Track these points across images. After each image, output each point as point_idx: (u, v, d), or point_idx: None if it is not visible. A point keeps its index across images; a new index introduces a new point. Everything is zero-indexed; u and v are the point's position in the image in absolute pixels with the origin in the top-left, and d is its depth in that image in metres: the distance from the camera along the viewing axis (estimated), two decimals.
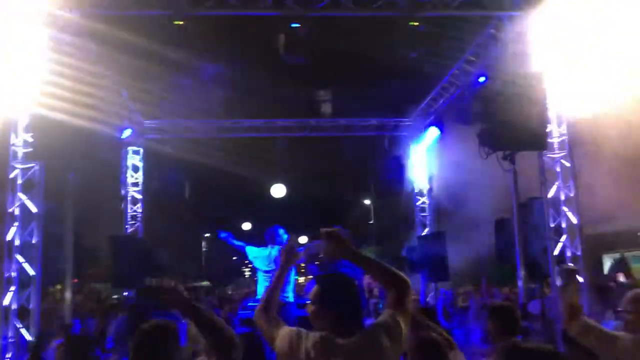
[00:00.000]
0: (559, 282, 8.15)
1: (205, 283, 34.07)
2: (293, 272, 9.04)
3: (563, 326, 3.84)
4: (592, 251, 11.17)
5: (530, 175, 9.40)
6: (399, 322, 2.86)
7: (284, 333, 2.91)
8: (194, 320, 2.93)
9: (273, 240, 8.65)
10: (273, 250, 8.62)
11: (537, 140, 8.64)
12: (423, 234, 14.99)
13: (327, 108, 13.89)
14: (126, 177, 14.09)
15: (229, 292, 27.98)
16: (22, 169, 8.67)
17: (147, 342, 2.83)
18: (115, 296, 16.25)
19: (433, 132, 13.84)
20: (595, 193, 10.07)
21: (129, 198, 14.07)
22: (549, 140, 9.18)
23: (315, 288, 3.03)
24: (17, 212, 8.50)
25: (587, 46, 8.77)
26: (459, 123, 12.43)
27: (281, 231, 8.65)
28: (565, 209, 9.31)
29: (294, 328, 2.93)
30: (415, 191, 15.29)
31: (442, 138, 13.95)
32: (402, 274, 2.99)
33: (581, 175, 9.40)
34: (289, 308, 8.23)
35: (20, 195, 8.59)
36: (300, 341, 2.82)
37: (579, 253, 9.17)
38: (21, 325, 8.23)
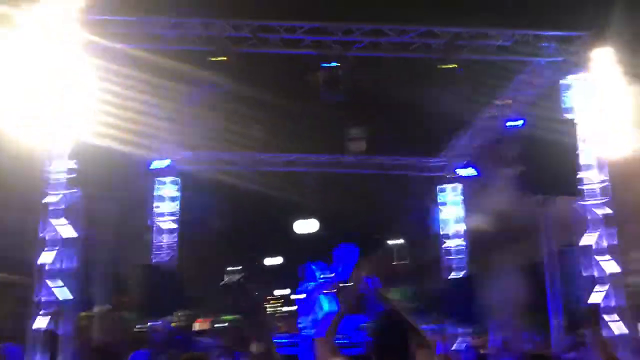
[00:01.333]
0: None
1: (232, 317, 33.81)
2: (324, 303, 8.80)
3: None
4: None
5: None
6: None
7: None
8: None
9: (308, 276, 8.57)
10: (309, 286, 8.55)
11: (572, 186, 8.51)
12: (451, 277, 14.73)
13: (360, 146, 13.96)
14: (153, 207, 14.22)
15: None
16: (64, 195, 8.83)
17: None
18: (138, 326, 16.25)
19: (466, 173, 13.74)
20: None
21: (158, 228, 14.19)
22: (588, 186, 8.97)
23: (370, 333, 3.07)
24: (52, 237, 8.61)
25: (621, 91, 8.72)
26: (492, 165, 12.35)
27: (314, 267, 8.63)
28: (602, 257, 9.01)
29: None
30: (443, 233, 15.09)
31: (474, 180, 13.86)
32: (425, 334, 3.05)
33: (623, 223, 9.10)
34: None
35: (57, 221, 8.70)
36: None
37: (622, 303, 8.78)
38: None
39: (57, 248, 8.59)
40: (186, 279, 14.75)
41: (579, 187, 8.79)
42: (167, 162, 13.60)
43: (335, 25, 8.85)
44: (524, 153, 8.87)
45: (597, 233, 8.99)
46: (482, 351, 10.40)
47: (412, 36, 8.97)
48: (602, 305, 8.68)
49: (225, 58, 8.24)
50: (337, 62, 8.52)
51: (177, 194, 14.54)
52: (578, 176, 8.87)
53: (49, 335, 8.39)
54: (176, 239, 14.43)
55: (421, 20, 9.12)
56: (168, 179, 14.36)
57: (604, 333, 8.48)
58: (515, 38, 9.08)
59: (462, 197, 14.73)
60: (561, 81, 9.37)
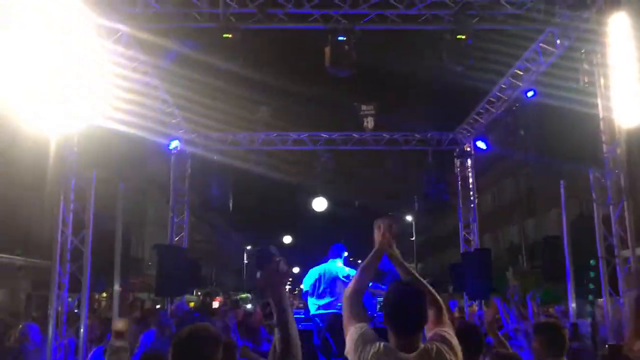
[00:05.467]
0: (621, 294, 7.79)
1: (246, 295, 34.31)
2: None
3: (621, 344, 3.59)
4: None
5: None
6: (453, 335, 2.91)
7: (355, 330, 2.94)
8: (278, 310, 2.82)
9: (336, 254, 8.51)
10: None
11: (590, 156, 8.38)
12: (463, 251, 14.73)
13: (371, 122, 13.86)
14: (173, 188, 14.34)
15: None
16: (75, 178, 8.92)
17: (188, 342, 2.78)
18: (158, 306, 16.49)
19: (479, 146, 13.63)
20: None
21: (174, 208, 14.30)
22: (604, 156, 8.85)
23: (384, 299, 3.06)
24: (69, 220, 8.74)
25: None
26: (506, 137, 12.23)
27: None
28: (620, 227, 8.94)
29: (367, 329, 2.95)
30: (460, 207, 15.05)
31: (487, 152, 13.72)
32: (434, 292, 3.08)
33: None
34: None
35: (73, 203, 8.82)
36: (364, 346, 2.84)
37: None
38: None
39: (73, 230, 8.69)
40: (201, 259, 14.89)
41: (596, 156, 8.66)
42: (176, 142, 13.62)
43: None
44: (538, 124, 8.73)
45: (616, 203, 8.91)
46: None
47: (419, 7, 8.81)
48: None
49: (230, 35, 8.15)
50: (344, 36, 8.39)
51: (187, 174, 14.55)
52: (597, 145, 8.74)
53: (69, 316, 8.56)
54: (186, 219, 14.50)
55: None
56: (178, 160, 14.39)
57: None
58: (528, 5, 8.88)
59: (473, 171, 14.65)
60: (575, 50, 9.19)
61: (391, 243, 3.31)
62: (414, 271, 3.30)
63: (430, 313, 2.97)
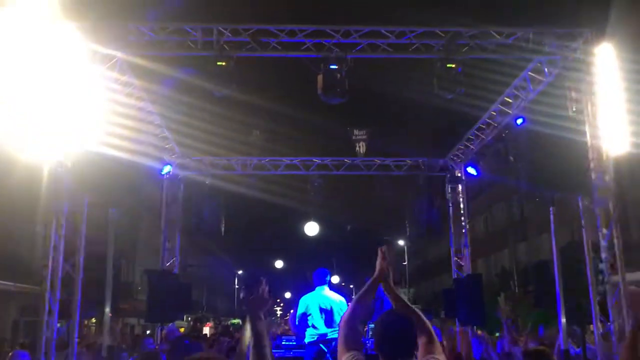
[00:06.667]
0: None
1: (237, 321, 34.00)
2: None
3: None
4: None
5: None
6: None
7: (347, 357, 3.00)
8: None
9: (322, 281, 8.49)
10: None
11: (579, 183, 8.48)
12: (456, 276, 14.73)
13: (363, 147, 13.97)
14: (165, 212, 14.30)
15: None
16: (67, 204, 8.90)
17: None
18: (148, 332, 16.31)
19: (470, 172, 13.74)
20: None
21: (166, 233, 14.24)
22: (593, 183, 8.96)
23: (375, 327, 3.12)
24: (59, 245, 8.70)
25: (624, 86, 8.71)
26: (496, 164, 12.35)
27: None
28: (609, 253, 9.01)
29: (359, 357, 3.00)
30: (452, 232, 15.09)
31: (478, 178, 13.82)
32: (425, 319, 3.15)
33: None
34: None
35: (64, 230, 8.77)
36: None
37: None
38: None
39: (64, 256, 8.64)
40: (192, 284, 14.78)
41: (585, 183, 8.76)
42: (168, 167, 13.65)
43: (334, 28, 8.87)
44: (528, 151, 8.84)
45: (605, 229, 8.98)
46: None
47: (410, 37, 8.98)
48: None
49: (224, 63, 8.26)
50: (336, 65, 8.53)
51: (179, 199, 14.54)
52: (586, 173, 8.84)
53: (58, 342, 8.46)
54: (180, 244, 14.44)
55: (420, 22, 9.15)
56: (170, 184, 14.39)
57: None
58: (517, 35, 9.08)
59: (464, 197, 14.74)
60: (563, 78, 9.37)
61: (389, 272, 3.37)
62: (404, 298, 3.36)
63: (422, 340, 3.02)
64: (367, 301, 3.33)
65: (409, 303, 3.32)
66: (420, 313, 3.19)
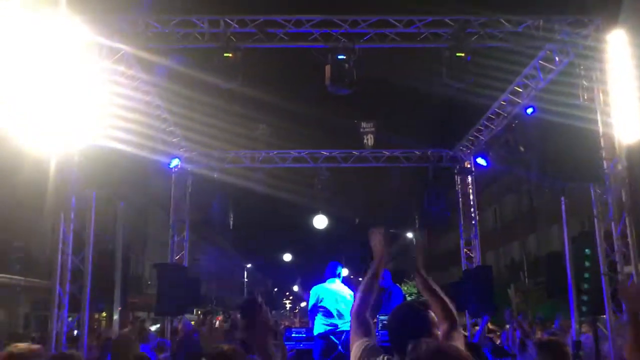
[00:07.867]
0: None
1: None
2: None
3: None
4: None
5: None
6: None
7: (360, 343, 2.97)
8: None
9: (333, 273, 8.44)
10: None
11: (591, 173, 8.37)
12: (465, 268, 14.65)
13: (371, 139, 13.88)
14: (174, 206, 14.29)
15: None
16: (75, 198, 8.90)
17: None
18: (157, 325, 16.35)
19: (479, 162, 13.63)
20: None
21: (175, 227, 14.24)
22: (605, 172, 8.85)
23: (389, 321, 3.06)
24: (70, 240, 8.70)
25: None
26: (506, 154, 12.23)
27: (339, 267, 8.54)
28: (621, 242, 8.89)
29: (372, 343, 2.96)
30: (461, 223, 15.00)
31: (487, 169, 13.70)
32: (453, 309, 3.05)
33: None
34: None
35: (74, 224, 8.78)
36: (368, 359, 2.85)
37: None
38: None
39: (73, 250, 8.64)
40: (201, 277, 14.81)
41: (597, 172, 8.65)
42: (176, 161, 13.62)
43: (342, 17, 8.78)
44: (538, 141, 8.73)
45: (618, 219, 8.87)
46: (498, 341, 10.36)
47: (418, 26, 8.87)
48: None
49: (231, 55, 8.20)
50: (344, 55, 8.44)
51: (187, 193, 14.52)
52: (598, 162, 8.73)
53: (69, 336, 8.49)
54: (187, 237, 14.44)
55: (429, 11, 9.04)
56: (178, 178, 14.38)
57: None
58: (527, 23, 8.95)
59: (474, 187, 14.64)
60: (574, 66, 9.25)
61: (386, 253, 3.30)
62: (435, 287, 3.23)
63: (443, 327, 2.95)
64: (374, 288, 3.25)
65: (440, 292, 3.19)
66: (448, 301, 3.09)
